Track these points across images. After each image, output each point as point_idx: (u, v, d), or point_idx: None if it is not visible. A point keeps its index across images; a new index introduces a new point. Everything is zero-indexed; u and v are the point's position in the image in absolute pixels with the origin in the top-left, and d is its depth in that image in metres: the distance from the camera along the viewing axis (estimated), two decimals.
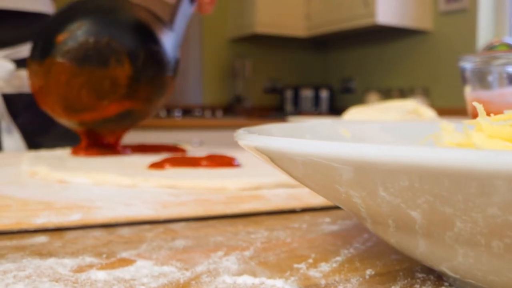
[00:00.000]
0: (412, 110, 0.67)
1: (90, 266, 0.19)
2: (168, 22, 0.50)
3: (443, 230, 0.16)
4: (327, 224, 0.28)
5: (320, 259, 0.21)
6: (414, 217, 0.17)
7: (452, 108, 2.47)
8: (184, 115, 2.78)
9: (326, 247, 0.23)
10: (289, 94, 3.36)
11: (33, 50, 0.46)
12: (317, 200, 0.32)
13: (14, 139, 0.63)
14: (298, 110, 3.30)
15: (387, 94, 3.01)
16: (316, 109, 3.33)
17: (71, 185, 0.33)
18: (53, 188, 0.32)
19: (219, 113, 3.09)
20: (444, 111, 2.14)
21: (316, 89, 3.37)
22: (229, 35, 3.27)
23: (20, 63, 0.65)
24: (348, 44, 3.35)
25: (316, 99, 3.36)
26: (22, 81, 0.66)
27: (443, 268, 0.18)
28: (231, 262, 0.20)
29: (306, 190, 0.33)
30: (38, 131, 0.68)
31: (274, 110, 3.37)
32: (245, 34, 3.11)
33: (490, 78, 0.46)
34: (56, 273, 0.18)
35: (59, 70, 0.43)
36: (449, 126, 0.21)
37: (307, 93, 3.35)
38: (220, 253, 0.21)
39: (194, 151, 0.52)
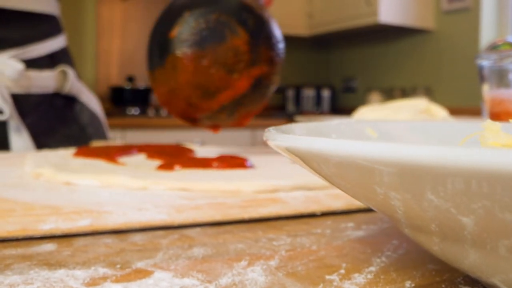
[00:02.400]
0: (423, 109, 0.65)
1: (104, 278, 0.18)
2: None
3: (497, 238, 0.15)
4: (351, 229, 0.26)
5: (352, 269, 0.19)
6: (464, 223, 0.15)
7: (454, 107, 2.45)
8: None
9: (356, 256, 0.21)
10: (290, 93, 3.34)
11: (150, 61, 0.47)
12: (338, 203, 0.30)
13: (23, 139, 0.63)
14: (300, 110, 3.28)
15: (389, 93, 3.00)
16: (318, 109, 3.31)
17: (78, 187, 0.31)
18: (59, 191, 0.30)
19: None
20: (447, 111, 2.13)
21: (318, 88, 3.35)
22: None
23: (29, 63, 0.65)
24: (350, 43, 3.34)
25: (318, 99, 3.34)
26: (30, 82, 0.65)
27: (495, 280, 0.16)
28: (257, 273, 0.18)
29: (325, 192, 0.32)
30: (45, 132, 0.67)
31: (276, 109, 3.35)
32: None
33: (511, 76, 0.44)
34: (67, 286, 0.17)
35: (184, 61, 0.43)
36: (494, 126, 0.19)
37: (309, 93, 3.33)
38: (243, 262, 0.20)
39: (202, 152, 0.51)
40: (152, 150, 0.47)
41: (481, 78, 0.48)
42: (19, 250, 0.21)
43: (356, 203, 0.30)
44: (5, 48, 0.63)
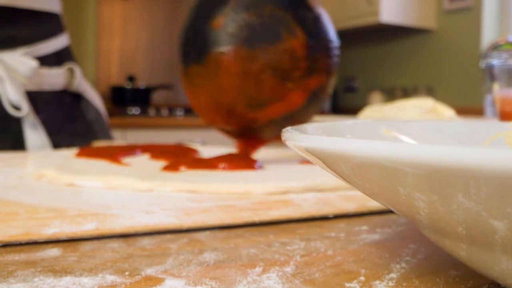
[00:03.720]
0: (430, 109, 0.64)
1: (113, 286, 0.17)
2: None
3: None
4: (366, 232, 0.25)
5: (372, 276, 0.18)
6: (496, 228, 0.14)
7: (456, 107, 2.44)
8: (186, 114, 2.75)
9: (374, 261, 0.20)
10: None
11: (185, 55, 0.39)
12: (350, 205, 0.29)
13: (39, 135, 0.63)
14: None
15: (390, 93, 2.99)
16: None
17: (82, 189, 0.30)
18: (63, 192, 0.29)
19: None
20: None
21: None
22: None
23: (39, 61, 0.65)
24: (351, 43, 3.33)
25: None
26: (42, 79, 0.66)
27: None
28: (273, 280, 0.18)
29: (336, 194, 0.31)
30: (55, 129, 0.67)
31: None
32: None
33: None
34: None
35: (229, 61, 0.36)
36: None
37: None
38: (258, 269, 0.19)
39: (206, 152, 0.50)
40: (156, 150, 0.46)
41: (491, 77, 0.47)
42: (23, 256, 0.20)
43: (369, 205, 0.29)
44: (15, 47, 0.64)
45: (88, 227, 0.23)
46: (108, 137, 0.77)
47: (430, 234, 0.19)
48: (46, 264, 0.19)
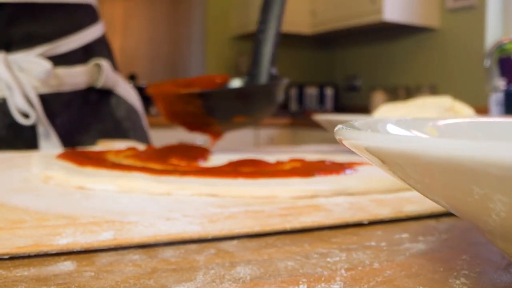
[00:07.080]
0: (448, 107, 0.62)
1: None
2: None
3: None
4: (408, 241, 0.23)
5: None
6: None
7: None
8: None
9: (429, 275, 0.18)
10: (293, 92, 3.31)
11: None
12: (385, 210, 0.27)
13: (52, 144, 0.59)
14: (303, 108, 3.25)
15: (393, 92, 2.97)
16: (320, 107, 3.28)
17: (93, 193, 0.28)
18: (74, 197, 0.26)
19: None
20: None
21: (321, 87, 3.32)
22: (233, 32, 3.22)
23: (59, 59, 0.61)
24: (353, 42, 3.30)
25: (321, 97, 3.31)
26: (60, 80, 0.61)
27: None
28: None
29: (367, 198, 0.28)
30: (78, 129, 0.64)
31: (278, 108, 3.32)
32: (249, 31, 3.06)
33: None
34: None
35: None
36: None
37: (311, 91, 3.30)
38: (301, 286, 0.17)
39: (218, 155, 0.47)
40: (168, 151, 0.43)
41: None
42: (33, 271, 0.18)
43: (405, 210, 0.27)
44: (35, 45, 0.59)
45: (104, 237, 0.20)
46: (142, 135, 0.72)
47: (497, 241, 0.16)
48: (60, 281, 0.17)
